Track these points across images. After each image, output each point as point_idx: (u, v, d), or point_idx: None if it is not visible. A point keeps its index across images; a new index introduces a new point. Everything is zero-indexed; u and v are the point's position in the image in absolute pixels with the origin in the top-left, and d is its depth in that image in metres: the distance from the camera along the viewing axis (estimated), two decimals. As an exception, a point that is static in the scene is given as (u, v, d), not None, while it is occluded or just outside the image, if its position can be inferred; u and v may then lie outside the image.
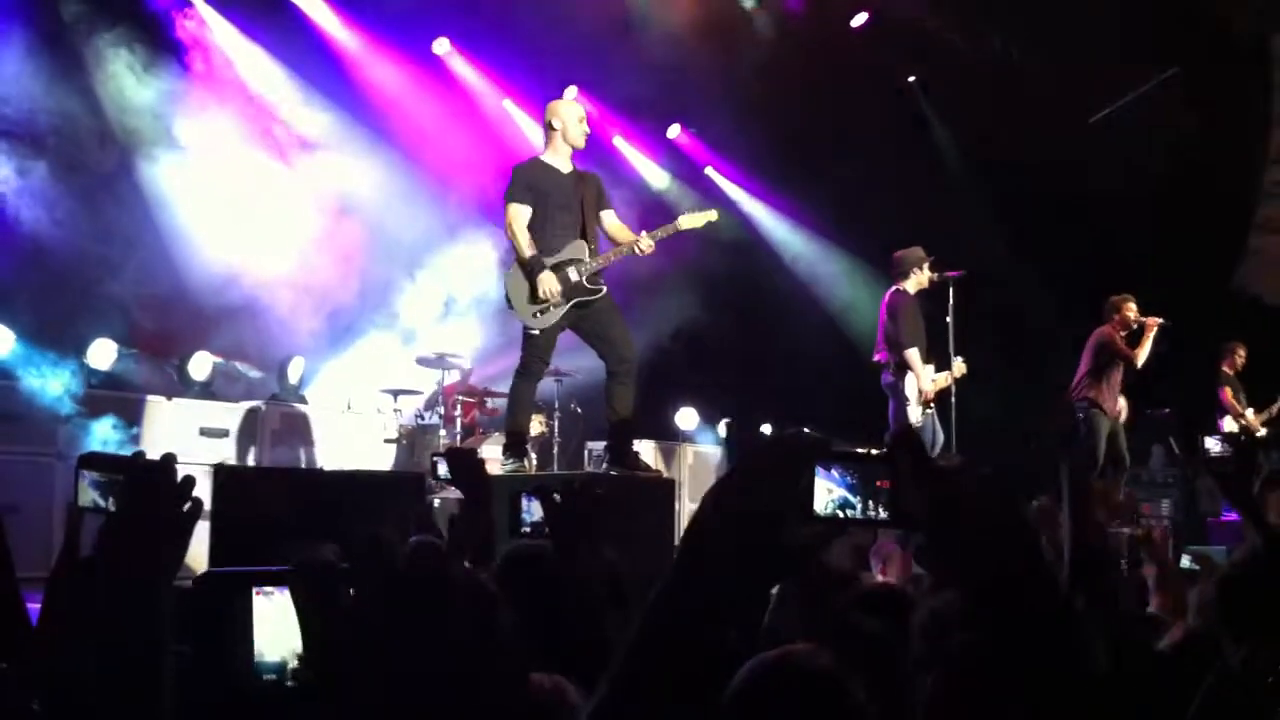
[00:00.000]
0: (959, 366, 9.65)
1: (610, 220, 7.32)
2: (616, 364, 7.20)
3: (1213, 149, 13.03)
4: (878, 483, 1.34)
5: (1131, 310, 10.37)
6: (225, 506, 5.19)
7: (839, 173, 13.12)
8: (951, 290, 9.71)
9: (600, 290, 7.13)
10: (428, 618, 1.76)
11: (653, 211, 11.32)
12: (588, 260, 7.10)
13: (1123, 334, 10.38)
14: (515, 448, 7.29)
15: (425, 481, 6.69)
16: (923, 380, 9.24)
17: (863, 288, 13.52)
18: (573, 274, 7.04)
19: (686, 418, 12.75)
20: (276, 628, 2.39)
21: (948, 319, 9.72)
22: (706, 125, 14.33)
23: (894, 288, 9.47)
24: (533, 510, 3.40)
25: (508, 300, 7.18)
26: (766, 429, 12.67)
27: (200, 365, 10.06)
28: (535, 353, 7.24)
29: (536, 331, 7.11)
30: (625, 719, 1.23)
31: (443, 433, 10.21)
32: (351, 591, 2.05)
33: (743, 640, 2.05)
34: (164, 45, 10.72)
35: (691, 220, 7.27)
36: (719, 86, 12.73)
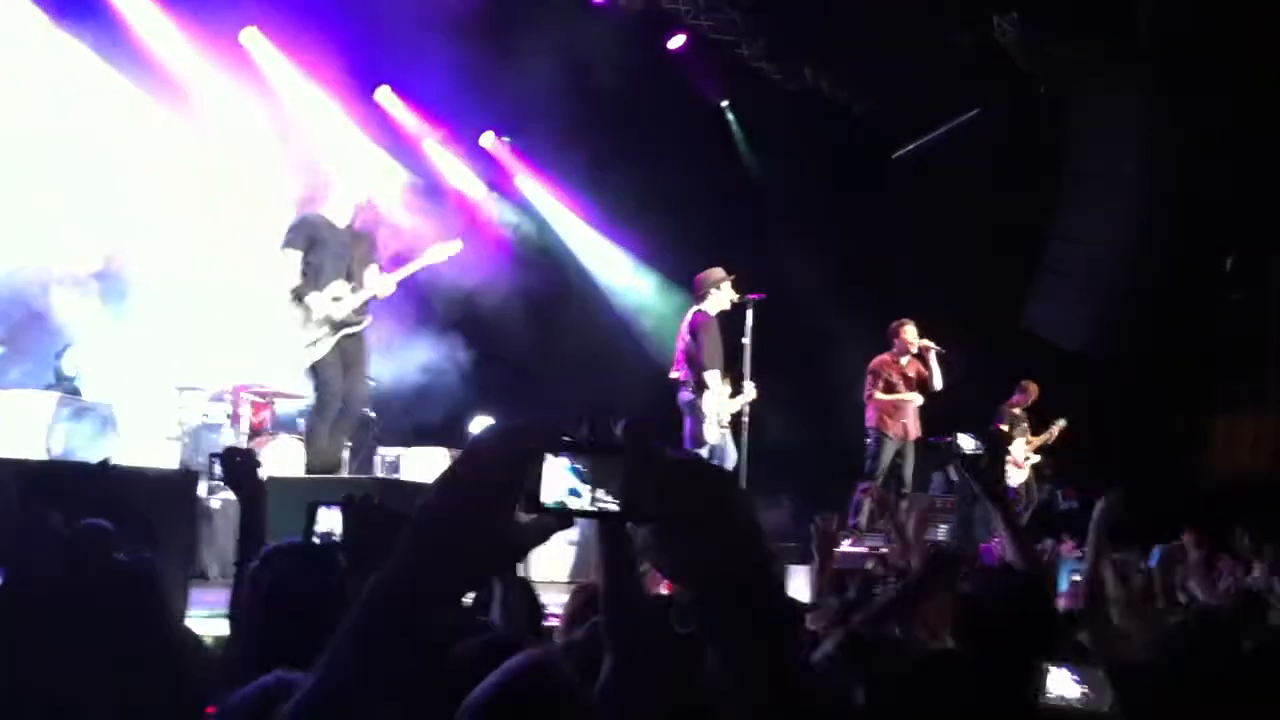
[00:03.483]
0: (750, 390, 9.72)
1: (372, 273, 7.61)
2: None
3: (1008, 188, 13.56)
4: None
5: (909, 334, 10.67)
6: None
7: (651, 190, 13.19)
8: (750, 312, 9.77)
9: (363, 320, 7.51)
10: (86, 605, 1.67)
11: (459, 215, 11.18)
12: (349, 295, 7.36)
13: (906, 358, 10.68)
14: None
15: (195, 480, 6.39)
16: (720, 402, 9.33)
17: (669, 303, 13.60)
18: (336, 310, 7.33)
19: (481, 427, 12.62)
20: None
21: (744, 340, 9.77)
22: (521, 135, 14.26)
23: (694, 308, 9.50)
24: (321, 520, 3.39)
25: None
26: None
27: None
28: (326, 386, 7.41)
29: (309, 363, 7.35)
30: (329, 711, 1.16)
31: (230, 431, 9.84)
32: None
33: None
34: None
35: (436, 253, 7.74)
36: (535, 98, 12.66)
